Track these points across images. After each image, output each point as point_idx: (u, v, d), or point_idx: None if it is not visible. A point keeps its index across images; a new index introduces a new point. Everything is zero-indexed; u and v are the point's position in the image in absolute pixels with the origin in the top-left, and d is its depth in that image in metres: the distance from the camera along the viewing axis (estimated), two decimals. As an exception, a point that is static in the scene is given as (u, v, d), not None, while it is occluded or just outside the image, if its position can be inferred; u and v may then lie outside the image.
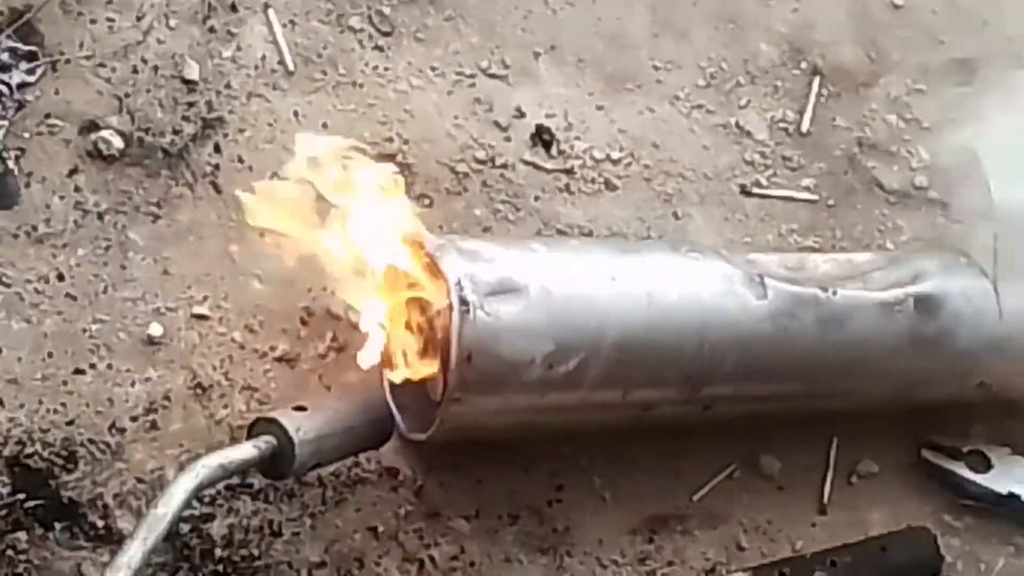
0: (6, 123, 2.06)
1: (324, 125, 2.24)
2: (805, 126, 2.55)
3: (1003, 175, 2.16)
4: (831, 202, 2.48)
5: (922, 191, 2.51)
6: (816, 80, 2.60)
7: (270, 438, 1.81)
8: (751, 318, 2.00)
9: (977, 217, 2.18)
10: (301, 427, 1.81)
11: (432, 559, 1.95)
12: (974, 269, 2.16)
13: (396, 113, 2.32)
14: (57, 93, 2.16)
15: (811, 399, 2.13)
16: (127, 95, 2.18)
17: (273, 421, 1.81)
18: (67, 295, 2.00)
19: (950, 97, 2.60)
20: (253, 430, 1.83)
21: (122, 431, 1.92)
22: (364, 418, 1.90)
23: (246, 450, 1.80)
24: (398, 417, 1.97)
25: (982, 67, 2.63)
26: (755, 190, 2.44)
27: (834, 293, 2.05)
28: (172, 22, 2.27)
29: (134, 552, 1.66)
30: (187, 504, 1.73)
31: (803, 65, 2.62)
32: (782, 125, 2.54)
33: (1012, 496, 2.17)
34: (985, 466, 2.19)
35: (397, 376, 1.93)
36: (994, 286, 2.13)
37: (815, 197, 2.47)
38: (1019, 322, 2.13)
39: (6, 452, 1.87)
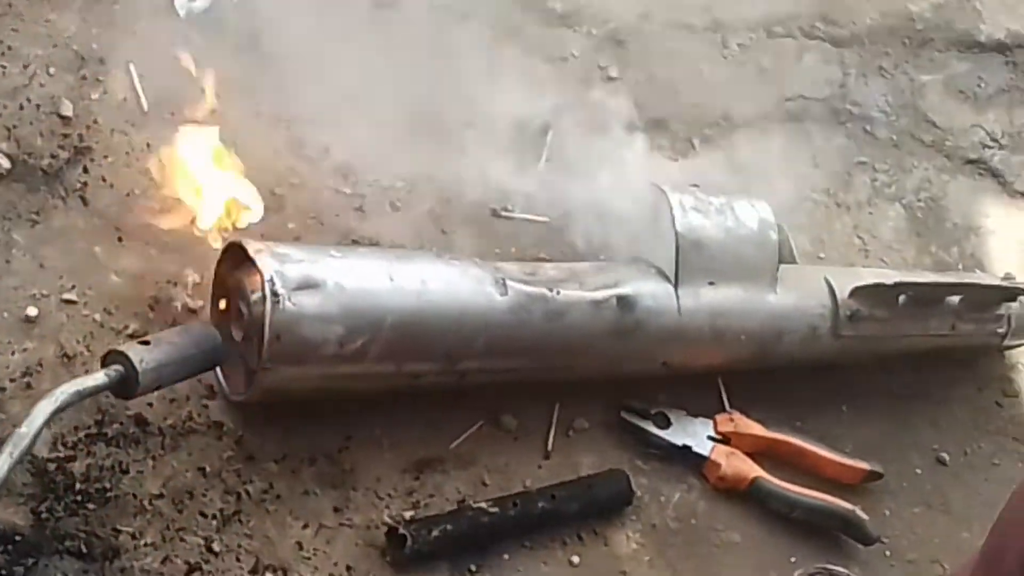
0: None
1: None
2: (540, 167, 2.55)
3: (684, 206, 2.25)
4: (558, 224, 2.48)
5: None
6: (551, 133, 2.59)
7: (119, 367, 1.78)
8: (496, 310, 2.06)
9: (664, 237, 2.24)
10: (144, 358, 1.78)
11: (248, 492, 1.97)
12: (661, 276, 2.23)
13: (228, 146, 2.26)
14: (-44, 123, 2.12)
15: (540, 372, 2.19)
16: (15, 126, 2.17)
17: (121, 353, 1.79)
18: (-39, 282, 1.98)
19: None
20: (105, 360, 1.81)
21: (3, 390, 1.91)
22: (196, 349, 1.88)
23: (98, 377, 1.77)
24: (223, 382, 2.01)
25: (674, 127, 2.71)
26: (502, 213, 2.48)
27: (557, 293, 2.11)
28: (52, 70, 2.25)
29: (1, 464, 1.65)
30: (47, 424, 1.70)
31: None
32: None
33: (685, 447, 2.26)
34: (667, 424, 2.27)
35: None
36: (675, 290, 2.21)
37: (547, 219, 2.49)
38: (691, 317, 2.22)
39: (-93, 407, 1.83)
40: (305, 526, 1.98)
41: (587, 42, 2.80)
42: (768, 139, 2.77)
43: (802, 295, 2.36)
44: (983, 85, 3.11)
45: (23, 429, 1.69)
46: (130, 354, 1.79)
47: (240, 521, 1.95)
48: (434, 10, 2.63)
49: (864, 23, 3.08)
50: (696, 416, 2.31)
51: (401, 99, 2.49)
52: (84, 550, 1.83)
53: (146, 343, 1.83)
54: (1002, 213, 2.93)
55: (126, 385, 1.80)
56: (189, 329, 1.93)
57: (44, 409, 1.71)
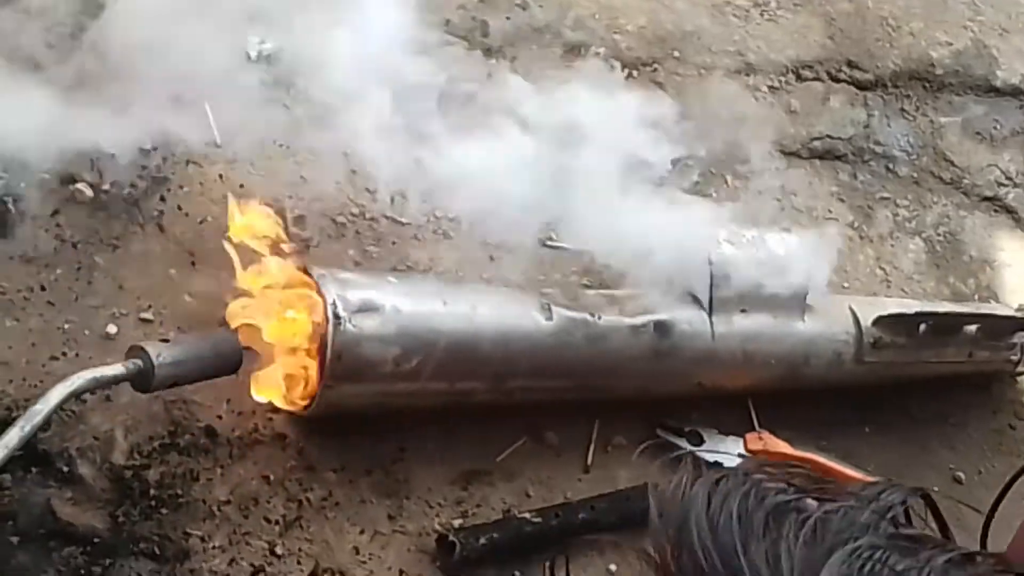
0: (7, 176, 2.04)
1: (241, 186, 2.23)
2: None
3: (718, 238, 2.25)
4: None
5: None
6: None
7: (137, 360, 1.77)
8: (541, 333, 2.08)
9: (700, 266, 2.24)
10: (162, 354, 1.77)
11: (309, 500, 1.99)
12: (696, 303, 2.23)
13: (294, 179, 2.31)
14: (46, 155, 2.14)
15: (581, 391, 2.20)
16: (97, 158, 2.16)
17: (141, 348, 1.79)
18: (47, 302, 2.01)
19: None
20: (128, 354, 1.79)
21: (84, 402, 1.92)
22: (214, 352, 1.85)
23: (116, 368, 1.76)
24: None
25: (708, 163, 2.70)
26: (548, 243, 2.44)
27: (599, 318, 2.13)
28: (133, 107, 2.18)
29: (12, 436, 1.63)
30: (59, 406, 1.70)
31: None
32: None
33: (717, 463, 2.18)
34: (699, 441, 2.28)
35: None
36: (709, 316, 2.22)
37: (590, 249, 2.41)
38: (724, 342, 2.22)
39: (-1, 416, 1.86)
40: (361, 532, 2.00)
41: (626, 84, 2.80)
42: (796, 175, 2.76)
43: (828, 323, 2.36)
44: (999, 127, 3.11)
45: (37, 406, 1.67)
46: (149, 349, 1.79)
47: (301, 527, 1.96)
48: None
49: (887, 68, 3.09)
50: (727, 434, 2.32)
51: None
52: (157, 552, 1.86)
53: (166, 341, 1.84)
54: (1016, 247, 2.93)
55: (143, 377, 1.78)
56: (212, 334, 1.92)
57: (59, 391, 1.70)
